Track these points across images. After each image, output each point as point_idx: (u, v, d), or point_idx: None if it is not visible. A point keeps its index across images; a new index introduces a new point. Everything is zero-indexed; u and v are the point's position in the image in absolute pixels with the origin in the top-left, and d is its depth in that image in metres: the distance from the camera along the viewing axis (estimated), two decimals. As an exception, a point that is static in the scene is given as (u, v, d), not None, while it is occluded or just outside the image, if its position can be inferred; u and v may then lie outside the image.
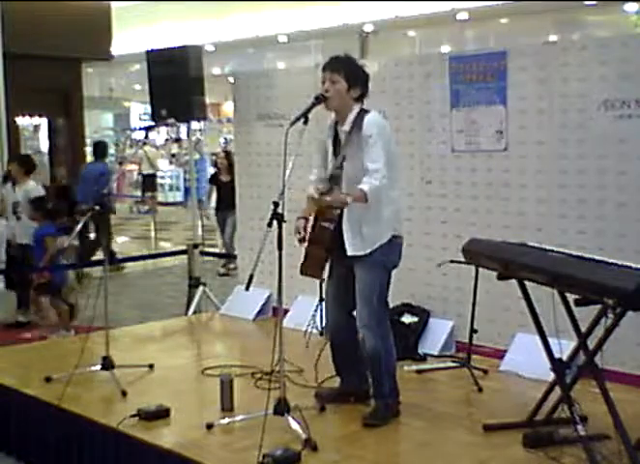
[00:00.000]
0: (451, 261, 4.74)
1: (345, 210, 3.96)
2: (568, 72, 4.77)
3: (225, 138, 22.77)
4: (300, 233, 4.10)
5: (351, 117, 4.00)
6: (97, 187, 9.89)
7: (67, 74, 11.94)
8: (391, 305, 5.27)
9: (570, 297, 3.52)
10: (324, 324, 5.55)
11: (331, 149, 4.12)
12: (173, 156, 22.18)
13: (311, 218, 4.09)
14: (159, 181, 19.52)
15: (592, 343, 3.58)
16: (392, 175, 3.99)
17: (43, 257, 6.81)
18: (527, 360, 4.65)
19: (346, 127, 4.02)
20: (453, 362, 4.99)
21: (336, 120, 4.11)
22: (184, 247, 8.12)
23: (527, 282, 3.81)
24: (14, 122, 11.45)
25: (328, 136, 4.15)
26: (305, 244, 4.08)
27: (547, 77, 4.87)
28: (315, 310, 5.71)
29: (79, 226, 5.14)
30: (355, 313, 4.21)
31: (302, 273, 4.13)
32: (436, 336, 5.36)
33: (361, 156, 3.92)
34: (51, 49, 11.19)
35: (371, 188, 3.83)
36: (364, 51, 15.57)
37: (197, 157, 18.40)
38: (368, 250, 3.98)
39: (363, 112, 4.01)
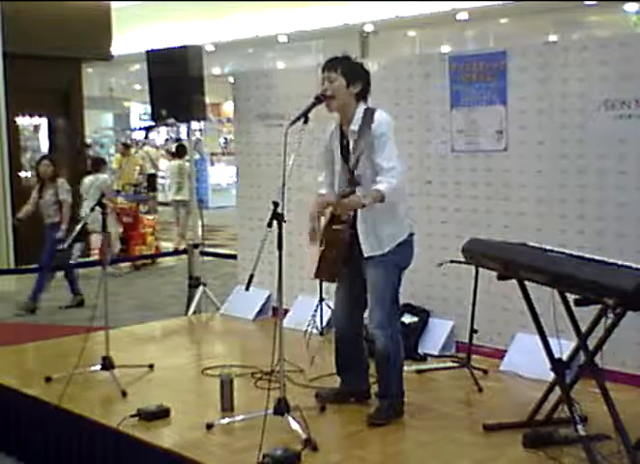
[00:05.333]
0: (452, 261, 4.73)
1: (359, 211, 3.93)
2: (568, 73, 4.77)
3: (225, 138, 22.75)
4: (315, 231, 4.07)
5: (358, 115, 3.97)
6: None
7: (67, 74, 11.93)
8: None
9: (570, 297, 3.52)
10: (329, 323, 5.57)
11: (338, 152, 4.09)
12: (173, 155, 22.14)
13: (323, 220, 4.07)
14: (159, 181, 19.50)
15: (592, 343, 3.58)
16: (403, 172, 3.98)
17: None
18: (527, 360, 4.65)
19: (354, 126, 3.97)
20: (453, 362, 4.99)
21: (341, 122, 4.08)
22: (184, 247, 8.13)
23: (527, 282, 3.81)
24: (15, 122, 11.44)
25: (334, 139, 4.11)
26: (319, 246, 4.05)
27: (547, 77, 4.87)
28: (315, 310, 5.71)
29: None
30: (365, 314, 4.20)
31: (316, 276, 4.13)
32: (436, 336, 5.36)
33: (370, 154, 3.90)
34: (51, 49, 11.19)
35: (389, 187, 3.79)
36: (364, 51, 15.58)
37: (197, 157, 18.40)
38: (386, 249, 3.96)
39: (370, 110, 3.98)
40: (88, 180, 10.48)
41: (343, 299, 4.23)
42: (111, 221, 10.79)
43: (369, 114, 3.95)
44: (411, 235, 4.06)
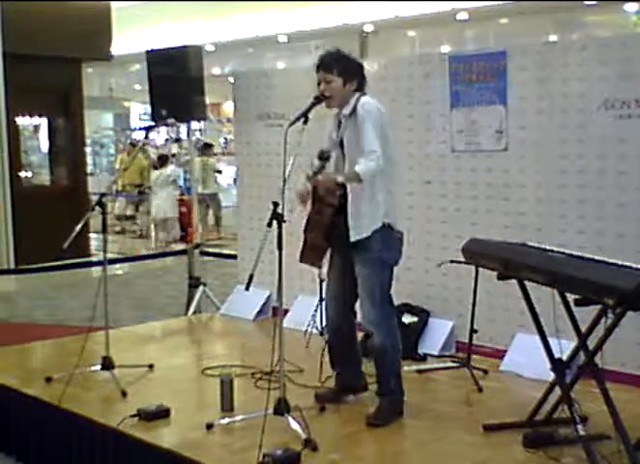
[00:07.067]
0: (451, 261, 4.74)
1: (349, 196, 3.95)
2: (568, 73, 4.77)
3: (225, 138, 22.74)
4: (302, 196, 4.06)
5: (352, 102, 4.05)
6: None
7: (67, 74, 11.93)
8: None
9: (570, 297, 3.52)
10: (324, 320, 5.57)
11: (335, 135, 4.14)
12: (173, 156, 22.17)
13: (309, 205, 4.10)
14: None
15: (592, 343, 3.58)
16: (390, 169, 4.01)
17: None
18: (527, 360, 4.66)
19: (346, 110, 4.05)
20: (453, 362, 4.99)
21: (338, 111, 4.15)
22: (184, 247, 8.12)
23: (527, 282, 3.81)
24: (14, 122, 11.44)
25: (333, 127, 4.18)
26: (304, 231, 4.08)
27: (547, 77, 4.87)
28: (315, 310, 5.70)
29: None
30: (355, 310, 4.24)
31: (301, 260, 4.12)
32: (436, 336, 5.36)
33: (357, 138, 3.94)
34: (51, 49, 11.18)
35: (366, 169, 3.81)
36: (364, 51, 15.57)
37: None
38: (364, 234, 3.96)
39: (360, 97, 4.05)
40: (156, 174, 12.58)
41: (334, 295, 4.25)
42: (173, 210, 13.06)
43: (358, 100, 4.02)
44: (391, 229, 4.04)
